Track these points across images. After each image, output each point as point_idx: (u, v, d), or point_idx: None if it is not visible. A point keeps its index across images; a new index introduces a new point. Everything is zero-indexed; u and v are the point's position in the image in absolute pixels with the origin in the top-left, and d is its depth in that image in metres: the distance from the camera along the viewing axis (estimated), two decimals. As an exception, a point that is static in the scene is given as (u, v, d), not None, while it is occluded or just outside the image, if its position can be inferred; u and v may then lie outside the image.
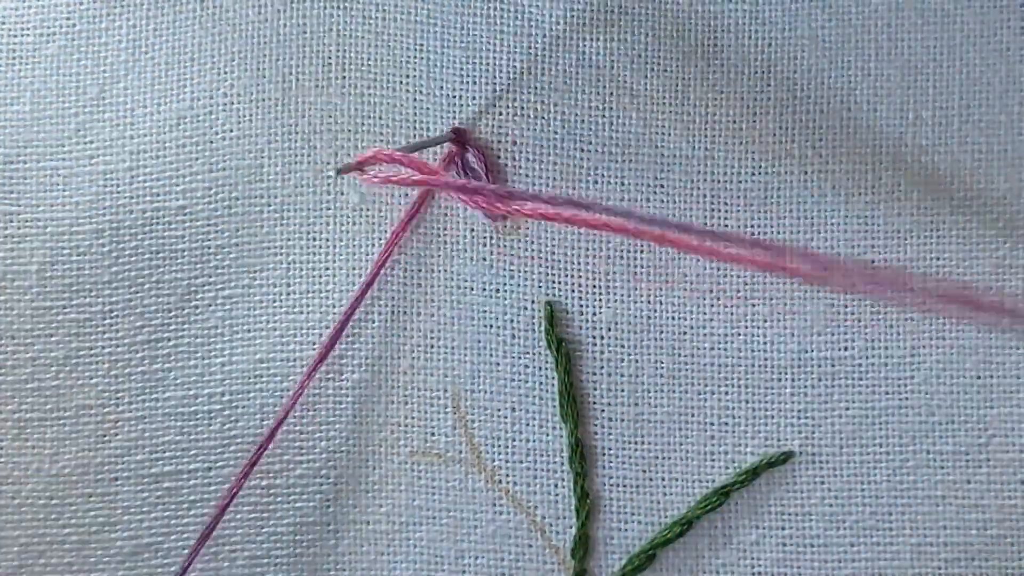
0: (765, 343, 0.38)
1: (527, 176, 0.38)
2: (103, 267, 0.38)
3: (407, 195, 0.38)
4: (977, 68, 0.38)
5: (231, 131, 0.38)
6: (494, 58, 0.38)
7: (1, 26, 0.39)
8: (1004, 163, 0.38)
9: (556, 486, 0.38)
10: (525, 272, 0.38)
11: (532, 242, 0.38)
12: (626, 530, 0.38)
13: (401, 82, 0.38)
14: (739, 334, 0.38)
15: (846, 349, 0.38)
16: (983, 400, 0.37)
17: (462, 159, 0.38)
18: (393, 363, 0.38)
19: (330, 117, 0.38)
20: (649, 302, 0.38)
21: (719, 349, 0.38)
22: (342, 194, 0.38)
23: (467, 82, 0.38)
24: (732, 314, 0.38)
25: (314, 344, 0.38)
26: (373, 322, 0.38)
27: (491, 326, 0.38)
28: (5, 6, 0.39)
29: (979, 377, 0.37)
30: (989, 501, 0.37)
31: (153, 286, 0.38)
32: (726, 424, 0.38)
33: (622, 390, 0.38)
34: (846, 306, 0.38)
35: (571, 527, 0.38)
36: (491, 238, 0.38)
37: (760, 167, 0.38)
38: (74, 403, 0.38)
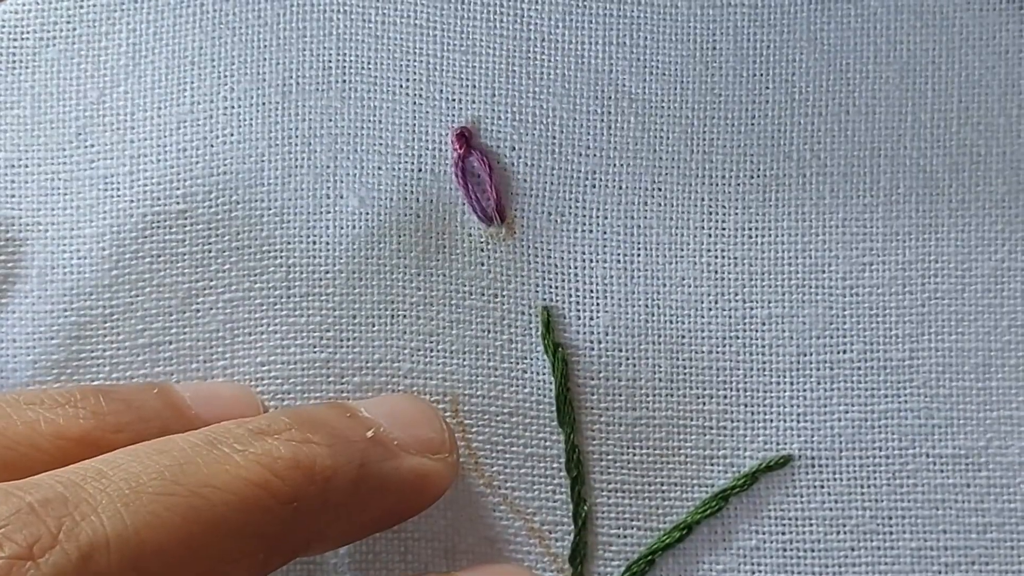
0: (763, 346, 0.37)
1: (525, 180, 0.38)
2: (104, 271, 0.38)
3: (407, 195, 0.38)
4: (976, 71, 0.37)
5: (231, 135, 0.38)
6: (493, 62, 0.38)
7: (1, 30, 0.38)
8: (1003, 165, 0.37)
9: (554, 492, 0.38)
10: (522, 277, 0.38)
11: (528, 247, 0.38)
12: (625, 536, 0.38)
13: (401, 85, 0.38)
14: (737, 337, 0.38)
15: (844, 352, 0.37)
16: (983, 403, 0.37)
17: (464, 161, 0.38)
18: (393, 367, 0.38)
19: (330, 120, 0.38)
20: (646, 306, 0.38)
21: (717, 353, 0.38)
22: (341, 197, 0.38)
23: (466, 86, 0.38)
24: (730, 317, 0.37)
25: (315, 347, 0.38)
26: (373, 326, 0.38)
27: (488, 331, 0.38)
28: (5, 10, 0.38)
29: (979, 380, 0.37)
30: (989, 505, 0.36)
31: (154, 289, 0.38)
32: (724, 428, 0.37)
33: (619, 395, 0.38)
34: (844, 309, 0.37)
35: (569, 533, 0.38)
36: (487, 243, 0.38)
37: (758, 170, 0.38)
38: (74, 406, 0.38)
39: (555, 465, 0.38)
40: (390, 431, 0.33)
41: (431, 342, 0.38)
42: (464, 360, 0.38)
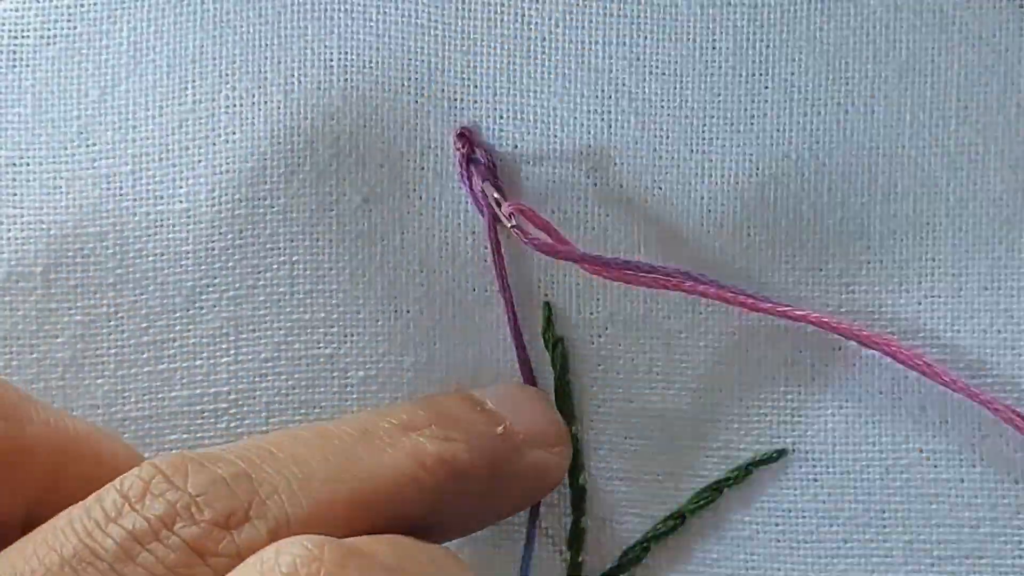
0: (759, 341, 0.36)
1: (527, 179, 0.36)
2: (108, 269, 0.36)
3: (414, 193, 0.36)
4: (975, 69, 0.35)
5: (233, 133, 0.36)
6: (494, 61, 0.35)
7: (2, 29, 0.36)
8: (1001, 164, 0.35)
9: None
10: (524, 273, 0.36)
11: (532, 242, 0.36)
12: (621, 523, 0.36)
13: (403, 84, 0.36)
14: (733, 333, 0.36)
15: (840, 348, 0.35)
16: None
17: (468, 160, 0.35)
18: (397, 360, 0.36)
19: (332, 119, 0.36)
20: (645, 301, 0.36)
21: (713, 348, 0.36)
22: (344, 194, 0.36)
23: (468, 85, 0.36)
24: (727, 313, 0.36)
25: (319, 343, 0.36)
26: (377, 320, 0.36)
27: (492, 325, 0.36)
28: (5, 8, 0.36)
29: (974, 377, 0.35)
30: (982, 500, 0.35)
31: (158, 287, 0.36)
32: (719, 421, 0.36)
33: (617, 387, 0.36)
34: (840, 306, 0.36)
35: (567, 519, 0.36)
36: (492, 239, 0.36)
37: (757, 169, 0.35)
38: (81, 403, 0.36)
39: (555, 454, 0.36)
40: (515, 425, 0.33)
41: (435, 336, 0.36)
42: (468, 353, 0.36)
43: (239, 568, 0.24)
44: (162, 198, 0.36)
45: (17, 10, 0.36)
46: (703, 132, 0.35)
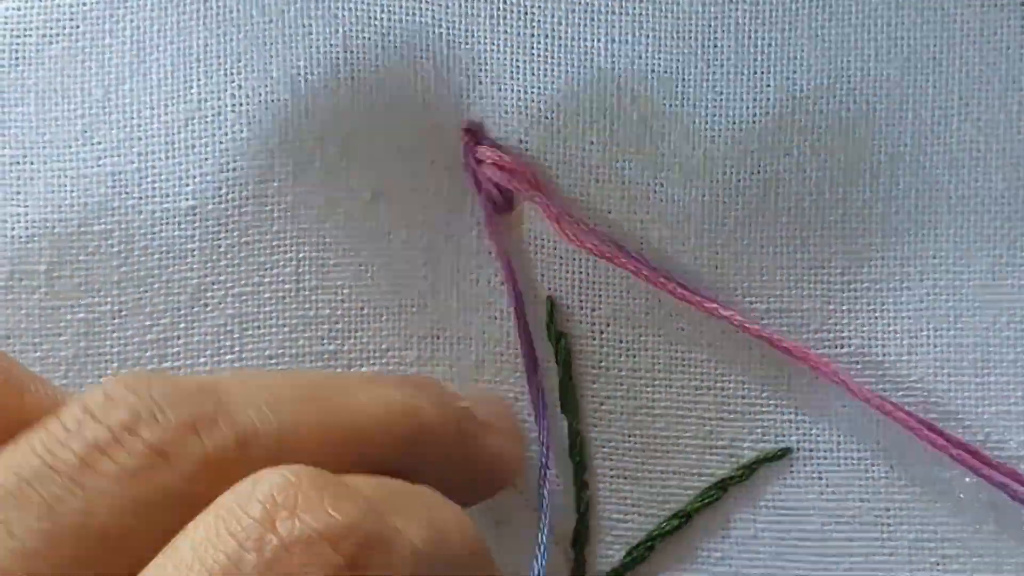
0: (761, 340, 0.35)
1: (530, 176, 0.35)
2: (112, 267, 0.35)
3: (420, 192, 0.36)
4: (977, 67, 0.35)
5: (240, 132, 0.35)
6: (498, 59, 0.35)
7: (4, 27, 0.35)
8: (1003, 162, 0.35)
9: (557, 477, 0.36)
10: (527, 268, 0.36)
11: (535, 237, 0.36)
12: (626, 521, 0.36)
13: (409, 81, 0.35)
14: (736, 331, 0.35)
15: (843, 347, 0.35)
16: (980, 398, 0.35)
17: (475, 154, 0.35)
18: (400, 355, 0.36)
19: (340, 117, 0.35)
20: (647, 299, 0.36)
21: (716, 346, 0.35)
22: (352, 191, 0.35)
23: (473, 83, 0.35)
24: (730, 311, 0.35)
25: (323, 339, 0.36)
26: (381, 316, 0.36)
27: (495, 319, 0.36)
28: (7, 7, 0.35)
29: (976, 375, 0.35)
30: (985, 498, 0.34)
31: (163, 285, 0.35)
32: (723, 419, 0.35)
33: (621, 384, 0.36)
34: (843, 304, 0.35)
35: (571, 518, 0.36)
36: (496, 233, 0.36)
37: (758, 166, 0.35)
38: (85, 401, 0.35)
39: (557, 451, 0.36)
40: (476, 409, 0.32)
41: (438, 330, 0.36)
42: (471, 348, 0.36)
43: (217, 499, 0.23)
44: (168, 196, 0.35)
45: (20, 9, 0.35)
46: (704, 130, 0.35)
